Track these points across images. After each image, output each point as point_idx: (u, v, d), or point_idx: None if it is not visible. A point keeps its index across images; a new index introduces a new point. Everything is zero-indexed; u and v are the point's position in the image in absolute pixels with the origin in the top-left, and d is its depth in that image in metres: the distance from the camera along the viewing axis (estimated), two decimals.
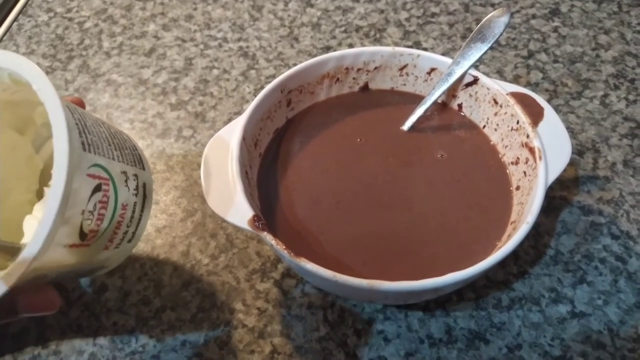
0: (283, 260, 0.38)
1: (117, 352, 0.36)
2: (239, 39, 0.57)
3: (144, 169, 0.35)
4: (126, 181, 0.32)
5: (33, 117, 0.35)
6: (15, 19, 0.60)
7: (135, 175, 0.34)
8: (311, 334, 0.37)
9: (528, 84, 0.51)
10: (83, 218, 0.29)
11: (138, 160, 0.35)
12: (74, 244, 0.29)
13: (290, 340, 0.36)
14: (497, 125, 0.40)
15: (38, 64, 0.55)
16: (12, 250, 0.29)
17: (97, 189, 0.29)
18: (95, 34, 0.58)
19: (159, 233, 0.42)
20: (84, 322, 0.38)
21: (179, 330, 0.37)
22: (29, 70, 0.29)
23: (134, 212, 0.33)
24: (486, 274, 0.39)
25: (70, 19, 0.60)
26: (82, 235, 0.29)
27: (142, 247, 0.41)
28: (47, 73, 0.54)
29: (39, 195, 0.36)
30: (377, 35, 0.56)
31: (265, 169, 0.39)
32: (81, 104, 0.35)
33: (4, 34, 0.59)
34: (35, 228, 0.26)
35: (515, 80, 0.51)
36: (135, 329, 0.37)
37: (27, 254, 0.26)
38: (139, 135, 0.49)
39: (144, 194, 0.34)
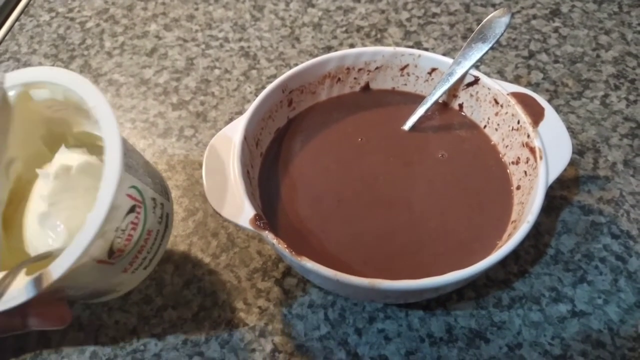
0: (284, 259, 0.39)
1: (119, 350, 0.37)
2: (240, 39, 0.57)
3: (168, 200, 0.36)
4: (154, 208, 0.34)
5: (65, 136, 0.36)
6: (17, 19, 0.61)
7: (162, 204, 0.35)
8: (312, 332, 0.37)
9: (529, 84, 0.51)
10: (115, 235, 0.30)
11: (164, 191, 0.36)
12: (102, 260, 0.30)
13: (291, 339, 0.37)
14: (498, 125, 0.40)
15: (39, 63, 0.55)
16: (41, 257, 0.30)
17: (132, 210, 0.31)
18: (97, 33, 0.58)
19: None
20: (85, 321, 0.38)
21: (180, 329, 0.37)
22: (86, 88, 0.31)
23: (155, 239, 0.34)
24: (487, 273, 0.39)
25: (72, 19, 0.60)
26: (111, 252, 0.30)
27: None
28: None
29: None
30: (378, 36, 0.56)
31: (266, 168, 0.40)
32: None
33: (6, 33, 0.59)
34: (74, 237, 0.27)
35: (516, 80, 0.51)
36: (136, 328, 0.38)
37: (64, 258, 0.27)
38: (141, 134, 0.49)
39: (166, 224, 0.35)
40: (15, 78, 0.33)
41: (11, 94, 0.33)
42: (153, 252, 0.34)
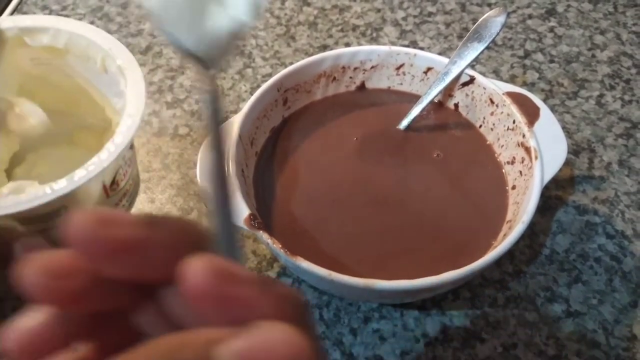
0: (279, 259, 0.38)
1: None
2: None
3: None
4: (134, 162, 0.36)
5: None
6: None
7: (135, 160, 0.38)
8: None
9: (524, 84, 0.51)
10: (121, 164, 0.32)
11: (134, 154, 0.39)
12: (105, 186, 0.32)
13: None
14: (494, 124, 0.40)
15: None
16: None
17: (131, 147, 0.34)
18: None
19: None
20: None
21: None
22: (95, 33, 0.35)
23: (132, 191, 0.37)
24: (482, 273, 0.39)
25: (66, 17, 0.60)
26: (113, 182, 0.32)
27: None
28: None
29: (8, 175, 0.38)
30: (374, 35, 0.56)
31: (261, 167, 0.39)
32: None
33: None
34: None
35: (512, 80, 0.51)
36: None
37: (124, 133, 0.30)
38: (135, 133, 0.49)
39: (136, 184, 0.38)
40: (15, 21, 0.34)
41: (5, 36, 0.34)
42: (128, 202, 0.37)
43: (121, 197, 0.34)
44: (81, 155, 0.37)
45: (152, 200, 0.44)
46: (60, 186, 0.28)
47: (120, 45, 0.34)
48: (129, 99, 0.32)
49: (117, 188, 0.33)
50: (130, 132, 0.31)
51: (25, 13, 0.60)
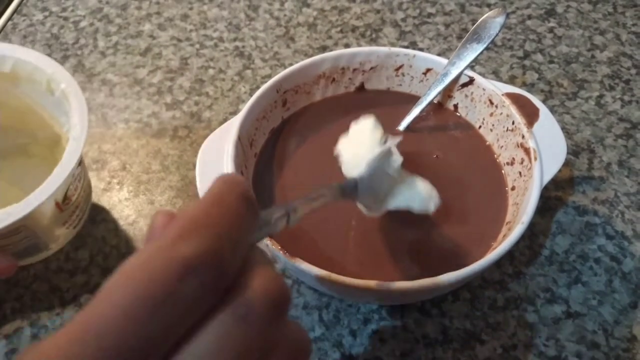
0: (278, 261, 0.38)
1: None
2: (235, 39, 0.57)
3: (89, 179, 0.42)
4: (85, 174, 0.39)
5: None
6: (9, 18, 0.60)
7: (86, 172, 0.40)
8: None
9: (523, 85, 0.51)
10: (71, 181, 0.35)
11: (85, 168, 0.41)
12: (58, 203, 0.34)
13: None
14: (493, 125, 0.40)
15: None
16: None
17: (79, 163, 0.36)
18: (91, 33, 0.58)
19: None
20: None
21: None
22: (40, 58, 0.37)
23: (85, 201, 0.40)
24: (482, 274, 0.39)
25: (66, 18, 0.60)
26: (65, 197, 0.35)
27: (137, 247, 0.41)
28: None
29: None
30: (373, 36, 0.56)
31: (260, 169, 0.39)
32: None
33: None
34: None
35: (511, 80, 0.51)
36: None
37: (51, 182, 0.32)
38: (134, 135, 0.49)
39: (89, 192, 0.41)
40: None
41: None
42: (82, 212, 0.40)
43: (74, 209, 0.38)
44: (36, 164, 0.41)
45: (152, 201, 0.44)
46: (16, 210, 0.31)
47: (63, 71, 0.37)
48: (73, 122, 0.35)
49: (70, 202, 0.36)
50: (76, 155, 0.33)
51: (25, 15, 0.60)
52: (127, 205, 0.44)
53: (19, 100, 0.40)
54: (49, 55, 0.56)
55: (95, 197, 0.44)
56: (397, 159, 0.31)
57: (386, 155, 0.31)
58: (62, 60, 0.55)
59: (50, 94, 0.38)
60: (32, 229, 0.34)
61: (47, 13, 0.60)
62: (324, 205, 0.26)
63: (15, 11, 0.61)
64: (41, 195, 0.32)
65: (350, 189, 0.29)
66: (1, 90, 0.39)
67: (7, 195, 0.40)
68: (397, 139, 0.32)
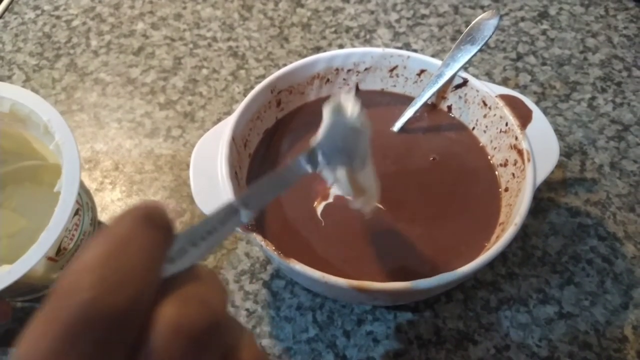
0: (272, 262, 0.38)
1: None
2: (229, 39, 0.56)
3: (94, 204, 0.40)
4: (88, 211, 0.38)
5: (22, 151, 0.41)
6: (1, 16, 0.60)
7: (92, 208, 0.39)
8: (300, 335, 0.37)
9: (517, 86, 0.51)
10: (64, 235, 0.34)
11: (90, 196, 0.40)
12: (51, 257, 0.33)
13: (279, 341, 0.36)
14: (486, 127, 0.40)
15: (24, 62, 0.55)
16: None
17: (77, 212, 0.35)
18: (83, 32, 0.58)
19: None
20: None
21: None
22: (36, 101, 0.36)
23: (87, 240, 0.37)
24: (475, 275, 0.39)
25: (58, 17, 0.59)
26: (59, 250, 0.34)
27: None
28: (34, 71, 0.54)
29: None
30: (367, 36, 0.56)
31: (254, 169, 0.39)
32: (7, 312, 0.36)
33: None
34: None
35: (504, 82, 0.51)
36: None
37: (35, 250, 0.30)
38: (127, 134, 0.48)
39: (94, 227, 0.39)
40: None
41: None
42: None
43: (72, 254, 0.36)
44: (45, 193, 0.39)
45: None
46: (4, 275, 0.30)
47: (58, 118, 0.35)
48: (64, 180, 0.33)
49: (65, 252, 0.35)
50: (65, 215, 0.32)
51: (16, 13, 0.60)
52: (119, 206, 0.44)
53: (18, 133, 0.39)
54: (41, 54, 0.55)
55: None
56: (354, 108, 0.28)
57: (337, 108, 0.28)
58: (55, 59, 0.55)
59: (48, 134, 0.36)
60: (24, 282, 0.32)
61: (39, 11, 0.60)
62: (288, 186, 0.24)
63: (6, 9, 0.60)
64: (27, 263, 0.30)
65: (312, 157, 0.26)
66: (4, 122, 0.38)
67: (13, 227, 0.40)
68: (351, 91, 0.29)
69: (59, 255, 0.34)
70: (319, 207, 0.37)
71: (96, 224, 0.40)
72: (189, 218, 0.42)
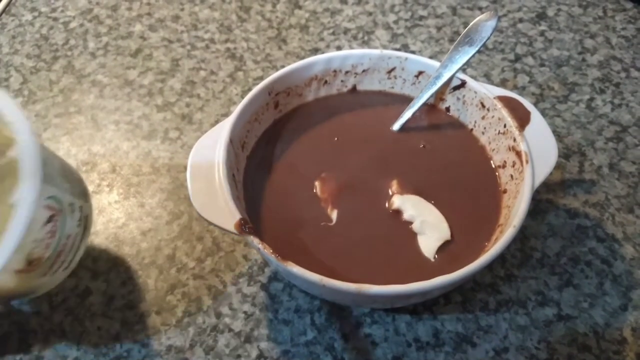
0: (270, 264, 0.38)
1: (102, 357, 0.36)
2: (227, 40, 0.56)
3: (87, 201, 0.37)
4: (72, 212, 0.34)
5: None
6: None
7: (81, 207, 0.35)
8: (298, 337, 0.36)
9: (515, 88, 0.51)
10: (33, 246, 0.30)
11: (83, 192, 0.37)
12: (20, 270, 0.30)
13: (277, 344, 0.36)
14: (485, 128, 0.40)
15: (22, 64, 0.54)
16: None
17: (49, 219, 0.31)
18: (81, 34, 0.58)
19: (144, 236, 0.42)
20: (67, 327, 0.37)
21: (165, 335, 0.37)
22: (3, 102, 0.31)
23: (74, 242, 0.35)
24: (473, 277, 0.39)
25: (55, 19, 0.59)
26: (29, 262, 0.31)
27: (127, 250, 0.41)
28: (31, 73, 0.54)
29: None
30: (365, 38, 0.56)
31: (252, 171, 0.39)
32: None
33: None
34: None
35: (502, 83, 0.51)
36: (120, 334, 0.37)
37: None
38: (125, 136, 0.48)
39: (85, 226, 0.36)
40: None
41: None
42: (72, 253, 0.35)
43: (54, 259, 0.33)
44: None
45: (142, 204, 0.43)
46: None
47: (20, 119, 0.31)
48: (20, 192, 0.29)
49: (41, 260, 0.32)
50: (17, 235, 0.28)
51: (13, 15, 0.60)
52: (116, 208, 0.43)
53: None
54: (38, 56, 0.55)
55: None
56: None
57: None
58: (52, 61, 0.55)
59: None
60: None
61: (36, 13, 0.60)
62: None
63: (3, 11, 0.60)
64: None
65: None
66: None
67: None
68: None
69: (32, 266, 0.31)
70: (317, 209, 0.37)
71: (90, 222, 0.37)
72: (186, 220, 0.42)
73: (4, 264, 0.28)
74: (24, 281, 0.32)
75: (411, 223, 0.36)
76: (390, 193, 0.37)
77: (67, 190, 0.34)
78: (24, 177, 0.29)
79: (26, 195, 0.29)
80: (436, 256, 0.34)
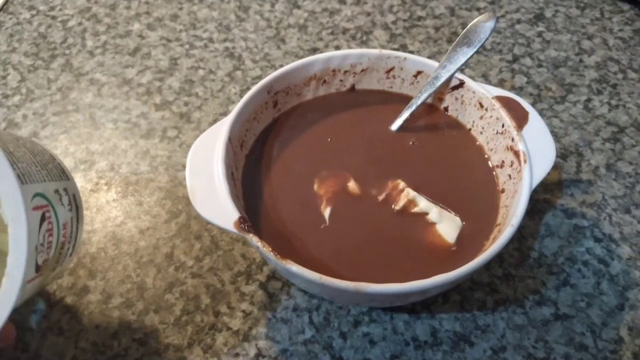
0: (269, 263, 0.38)
1: (99, 355, 0.36)
2: (225, 40, 0.56)
3: (68, 178, 0.34)
4: (60, 199, 0.31)
5: None
6: None
7: (65, 189, 0.33)
8: (296, 336, 0.36)
9: (512, 88, 0.51)
10: (37, 254, 0.28)
11: (61, 171, 0.34)
12: (30, 279, 0.28)
13: (276, 343, 0.36)
14: (483, 128, 0.40)
15: (20, 62, 0.54)
16: None
17: (43, 219, 0.29)
18: (79, 32, 0.57)
19: (143, 235, 0.42)
20: (65, 325, 0.37)
21: (163, 334, 0.37)
22: None
23: (72, 227, 0.33)
24: (471, 277, 0.39)
25: (54, 17, 0.59)
26: (37, 267, 0.29)
27: (125, 248, 0.41)
28: (29, 72, 0.53)
29: None
30: (364, 38, 0.56)
31: (251, 170, 0.39)
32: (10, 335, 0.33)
33: None
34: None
35: (500, 84, 0.51)
36: (118, 332, 0.37)
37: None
38: (123, 135, 0.48)
39: (77, 206, 0.34)
40: None
41: None
42: (73, 238, 0.33)
43: (58, 256, 0.31)
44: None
45: (140, 203, 0.43)
46: None
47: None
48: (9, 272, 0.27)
49: (47, 263, 0.30)
50: (22, 258, 0.26)
51: (11, 13, 0.59)
52: (114, 207, 0.43)
53: None
54: (36, 54, 0.55)
55: (82, 198, 0.43)
56: None
57: None
58: (50, 60, 0.55)
59: None
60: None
61: (34, 12, 0.60)
62: None
63: (1, 9, 0.60)
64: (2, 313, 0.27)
65: None
66: None
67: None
68: None
69: (42, 270, 0.30)
70: (316, 208, 0.37)
71: (79, 200, 0.35)
72: (184, 219, 0.42)
73: (19, 290, 0.26)
74: (38, 286, 0.31)
75: (425, 215, 0.36)
76: (393, 189, 0.37)
77: (46, 176, 0.31)
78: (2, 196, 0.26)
79: (14, 234, 0.26)
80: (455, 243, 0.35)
